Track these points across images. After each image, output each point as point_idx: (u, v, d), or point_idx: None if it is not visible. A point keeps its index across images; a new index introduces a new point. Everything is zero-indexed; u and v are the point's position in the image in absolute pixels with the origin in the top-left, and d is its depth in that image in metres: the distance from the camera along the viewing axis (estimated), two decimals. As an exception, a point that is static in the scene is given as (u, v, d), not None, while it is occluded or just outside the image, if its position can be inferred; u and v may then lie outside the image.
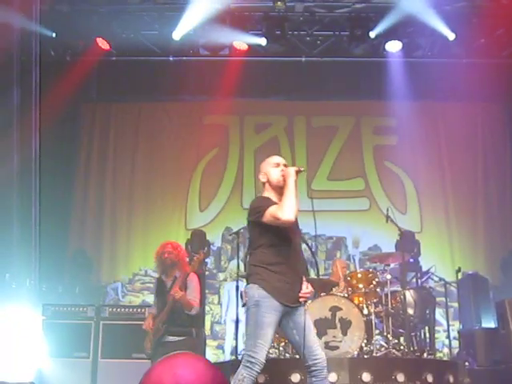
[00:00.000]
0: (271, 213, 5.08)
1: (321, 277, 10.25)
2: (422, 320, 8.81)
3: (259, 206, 5.22)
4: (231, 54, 11.66)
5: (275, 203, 5.19)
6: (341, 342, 7.80)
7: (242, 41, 11.36)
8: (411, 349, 8.37)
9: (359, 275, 8.78)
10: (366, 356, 7.92)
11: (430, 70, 11.57)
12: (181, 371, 1.40)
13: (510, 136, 12.54)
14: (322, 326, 7.87)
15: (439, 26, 10.89)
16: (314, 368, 5.09)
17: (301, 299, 5.17)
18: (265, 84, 11.97)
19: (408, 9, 10.69)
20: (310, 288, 5.30)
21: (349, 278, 8.79)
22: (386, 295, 8.58)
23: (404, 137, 12.18)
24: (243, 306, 5.26)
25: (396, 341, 8.34)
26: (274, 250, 5.16)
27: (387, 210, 9.28)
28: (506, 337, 8.12)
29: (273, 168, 5.44)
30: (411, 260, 10.37)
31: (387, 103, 12.08)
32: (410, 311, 8.61)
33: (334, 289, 8.78)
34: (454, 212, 12.24)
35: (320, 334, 7.79)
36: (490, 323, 9.85)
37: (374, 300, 8.55)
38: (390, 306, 8.46)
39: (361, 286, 8.64)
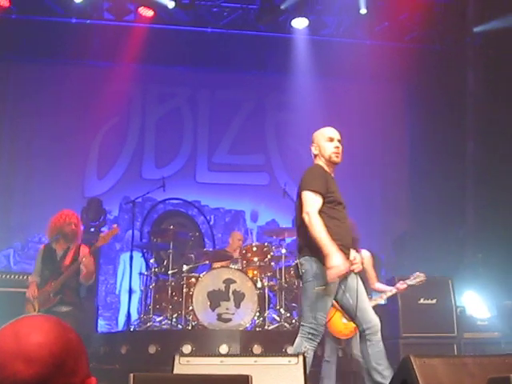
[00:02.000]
0: (304, 199, 5.03)
1: (217, 249, 10.28)
2: (315, 295, 8.95)
3: (306, 182, 5.14)
4: (136, 19, 11.40)
5: (322, 184, 5.11)
6: (234, 314, 7.85)
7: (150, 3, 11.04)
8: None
9: (254, 248, 8.82)
10: (258, 329, 8.01)
11: (335, 49, 11.67)
12: (24, 330, 1.35)
13: (408, 118, 12.86)
14: (216, 298, 7.89)
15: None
16: (368, 332, 5.09)
17: (353, 270, 5.13)
18: (170, 53, 11.79)
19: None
20: (359, 257, 5.29)
21: (244, 251, 8.84)
22: (281, 269, 8.67)
23: (306, 113, 12.25)
24: (299, 277, 5.14)
25: (288, 314, 8.46)
26: (327, 222, 5.01)
27: (285, 184, 9.39)
28: (393, 313, 8.35)
29: (326, 142, 5.36)
30: (307, 236, 10.51)
31: (291, 79, 12.13)
32: (303, 286, 8.73)
33: (229, 261, 8.82)
34: (352, 190, 12.45)
35: (213, 306, 7.82)
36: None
37: (269, 274, 8.64)
38: (283, 280, 8.55)
39: (256, 259, 8.70)
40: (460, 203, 11.15)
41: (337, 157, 5.35)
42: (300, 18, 11.34)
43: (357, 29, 11.78)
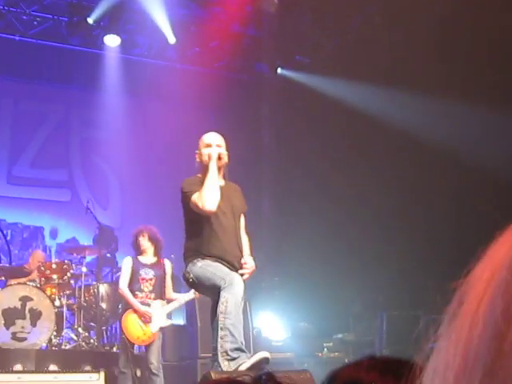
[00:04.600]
0: (193, 201, 4.94)
1: (14, 265, 9.86)
2: (114, 314, 8.86)
3: (184, 190, 5.06)
4: None
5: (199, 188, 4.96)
6: (29, 333, 7.58)
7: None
8: (101, 342, 8.41)
9: (53, 266, 8.56)
10: (54, 348, 7.79)
11: (146, 70, 11.70)
12: None
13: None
14: (11, 316, 7.58)
15: (161, 28, 11.10)
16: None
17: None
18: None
19: (131, 5, 10.80)
20: (251, 263, 5.12)
21: (42, 268, 8.56)
22: (80, 288, 8.51)
23: (113, 132, 12.16)
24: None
25: (86, 334, 8.31)
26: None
27: (87, 202, 9.26)
28: (192, 334, 8.45)
29: (204, 148, 5.13)
30: (108, 255, 10.38)
31: (99, 96, 11.99)
32: (103, 305, 8.63)
33: (26, 278, 8.52)
34: (156, 210, 12.40)
35: (8, 325, 7.51)
36: (179, 320, 10.17)
37: (67, 292, 8.46)
38: (82, 298, 8.41)
39: (54, 276, 8.44)
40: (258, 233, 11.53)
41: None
42: (112, 35, 11.26)
43: (168, 52, 11.90)
